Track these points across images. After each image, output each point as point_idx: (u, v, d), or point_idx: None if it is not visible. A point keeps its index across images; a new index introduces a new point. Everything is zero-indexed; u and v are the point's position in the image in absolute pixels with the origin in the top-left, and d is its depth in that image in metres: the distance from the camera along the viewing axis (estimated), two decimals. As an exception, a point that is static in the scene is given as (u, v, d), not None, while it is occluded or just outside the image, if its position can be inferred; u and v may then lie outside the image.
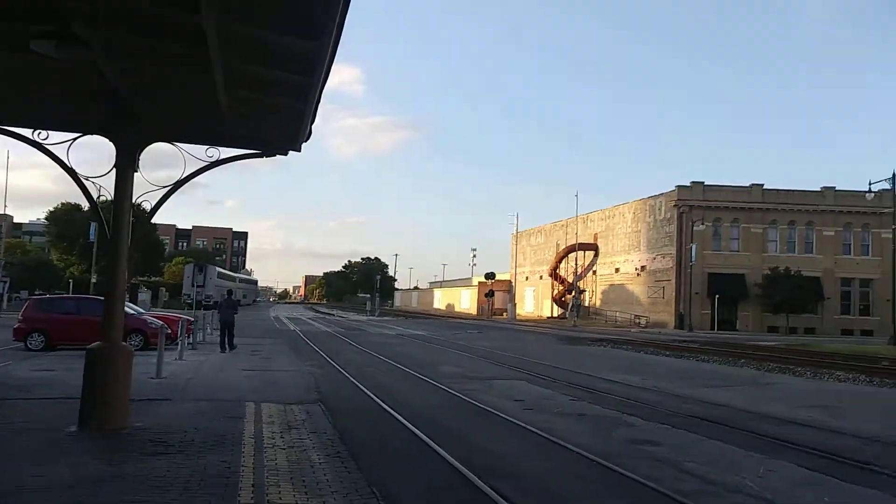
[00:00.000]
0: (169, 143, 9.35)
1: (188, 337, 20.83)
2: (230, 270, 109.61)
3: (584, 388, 14.95)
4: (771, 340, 39.11)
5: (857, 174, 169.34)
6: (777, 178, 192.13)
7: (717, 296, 52.86)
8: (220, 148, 9.67)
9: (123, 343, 9.51)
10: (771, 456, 8.45)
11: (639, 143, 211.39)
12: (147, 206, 9.83)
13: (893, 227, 43.70)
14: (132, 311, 22.32)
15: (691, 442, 9.40)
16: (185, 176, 9.50)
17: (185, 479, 6.57)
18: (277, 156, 10.24)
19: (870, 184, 38.95)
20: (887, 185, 38.41)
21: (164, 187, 9.51)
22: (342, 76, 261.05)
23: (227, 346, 21.28)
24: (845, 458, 8.43)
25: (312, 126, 9.09)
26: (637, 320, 58.03)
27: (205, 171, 9.70)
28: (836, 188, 56.60)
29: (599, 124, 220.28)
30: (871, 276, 55.00)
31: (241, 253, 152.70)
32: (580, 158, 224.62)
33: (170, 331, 20.55)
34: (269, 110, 8.68)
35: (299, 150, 9.96)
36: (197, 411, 10.41)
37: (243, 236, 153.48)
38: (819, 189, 56.95)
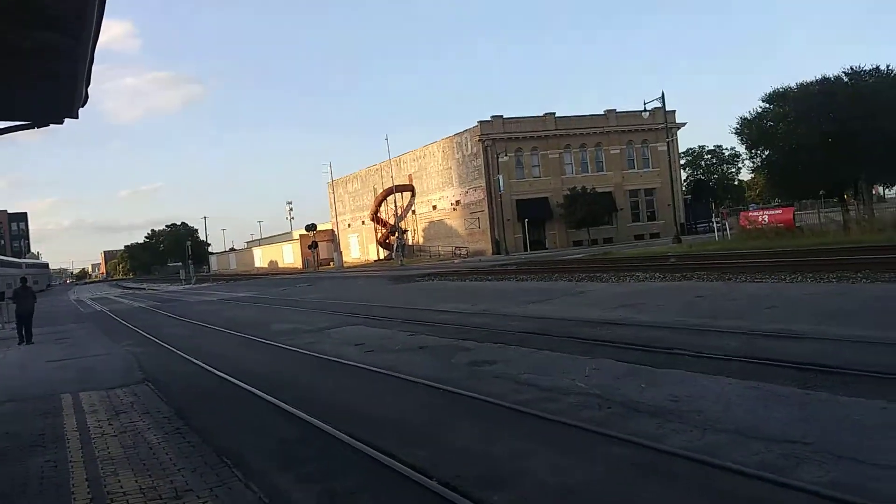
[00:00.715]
0: None
1: (-26, 336, 18.26)
2: (13, 256, 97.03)
3: (421, 322, 15.38)
4: (577, 254, 42.71)
5: (635, 96, 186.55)
6: (568, 106, 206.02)
7: (526, 220, 56.57)
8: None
9: None
10: (593, 356, 9.34)
11: (443, 84, 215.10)
12: None
13: (667, 140, 49.18)
14: None
15: (522, 356, 10.09)
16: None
17: (6, 489, 5.87)
18: (51, 125, 9.04)
19: (644, 104, 43.08)
20: (659, 104, 42.67)
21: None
22: (112, 31, 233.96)
23: (24, 338, 19.00)
24: (654, 348, 9.55)
25: (88, 89, 8.09)
26: (458, 251, 60.46)
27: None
28: (618, 110, 61.97)
29: (403, 67, 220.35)
30: (653, 185, 61.63)
31: (23, 236, 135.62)
32: (388, 102, 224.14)
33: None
34: (35, 77, 7.54)
35: (76, 117, 8.84)
36: (3, 414, 9.28)
37: (21, 217, 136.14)
38: (603, 112, 62.00)
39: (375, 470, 5.71)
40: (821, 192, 46.58)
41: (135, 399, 9.61)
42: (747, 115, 41.23)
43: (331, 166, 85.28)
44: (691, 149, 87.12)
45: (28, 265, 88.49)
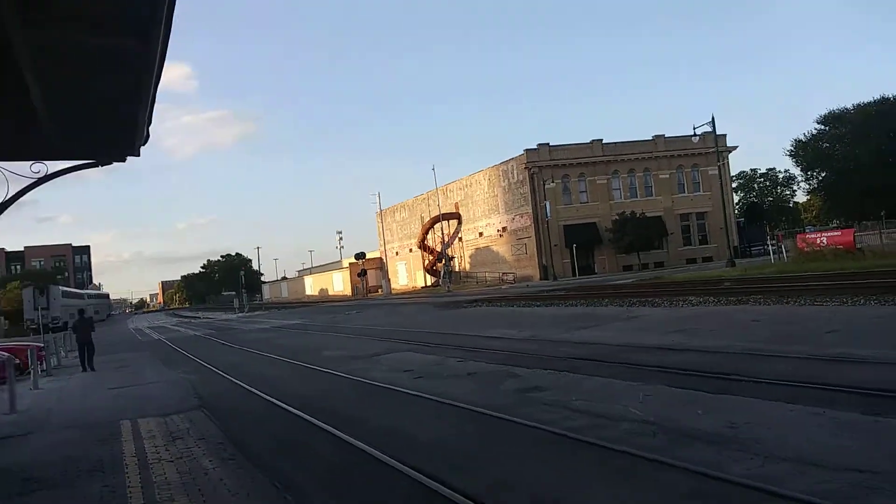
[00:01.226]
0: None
1: (41, 364, 19.01)
2: (76, 288, 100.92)
3: (469, 348, 15.33)
4: (627, 278, 42.03)
5: (683, 121, 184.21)
6: (614, 133, 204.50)
7: (574, 245, 56.11)
8: (46, 162, 8.78)
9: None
10: (647, 382, 9.13)
11: (489, 112, 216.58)
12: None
13: (718, 163, 48.28)
14: (-31, 347, 20.05)
15: (574, 382, 9.93)
16: (9, 197, 8.55)
17: (67, 512, 6.04)
18: (113, 163, 9.45)
19: (694, 128, 42.46)
20: (709, 128, 42.03)
21: (-11, 212, 8.53)
22: (172, 73, 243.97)
23: (87, 366, 19.92)
24: (709, 373, 9.29)
25: (149, 129, 8.45)
26: (505, 277, 60.25)
27: (32, 188, 8.79)
28: (666, 135, 61.25)
29: (447, 95, 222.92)
30: (704, 209, 60.47)
31: (86, 268, 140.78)
32: (434, 132, 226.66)
33: (18, 361, 18.74)
34: (100, 117, 7.95)
35: (138, 155, 9.22)
36: (65, 440, 9.57)
37: (85, 251, 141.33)
38: (651, 137, 61.38)
39: (426, 497, 5.67)
40: (882, 213, 44.98)
41: (190, 425, 9.81)
42: (802, 138, 40.23)
43: (379, 196, 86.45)
44: (743, 172, 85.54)
45: (90, 296, 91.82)
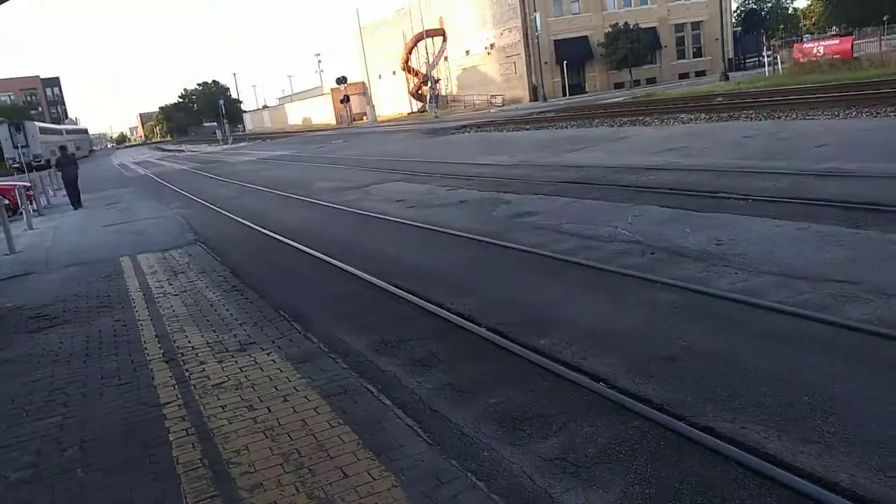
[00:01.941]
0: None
1: (31, 203, 19.02)
2: (52, 123, 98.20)
3: (459, 175, 15.34)
4: (619, 96, 41.16)
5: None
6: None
7: (564, 62, 54.09)
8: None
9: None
10: (636, 203, 9.27)
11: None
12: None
13: (718, -34, 45.23)
14: (-46, 189, 19.91)
15: (564, 205, 10.07)
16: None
17: (83, 346, 6.34)
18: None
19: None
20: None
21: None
22: None
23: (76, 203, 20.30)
24: (698, 192, 9.42)
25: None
26: (493, 100, 58.84)
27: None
28: (665, -67, 56.83)
29: None
30: (700, 18, 57.74)
31: (59, 102, 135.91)
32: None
33: (8, 201, 18.73)
34: None
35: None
36: (69, 277, 9.82)
37: (55, 82, 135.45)
38: (649, -63, 56.98)
39: (424, 318, 5.96)
40: (884, 18, 43.14)
41: (190, 259, 10.03)
42: (808, -67, 37.34)
43: (358, 13, 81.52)
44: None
45: (68, 132, 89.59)
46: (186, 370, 5.36)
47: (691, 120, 19.41)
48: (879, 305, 4.77)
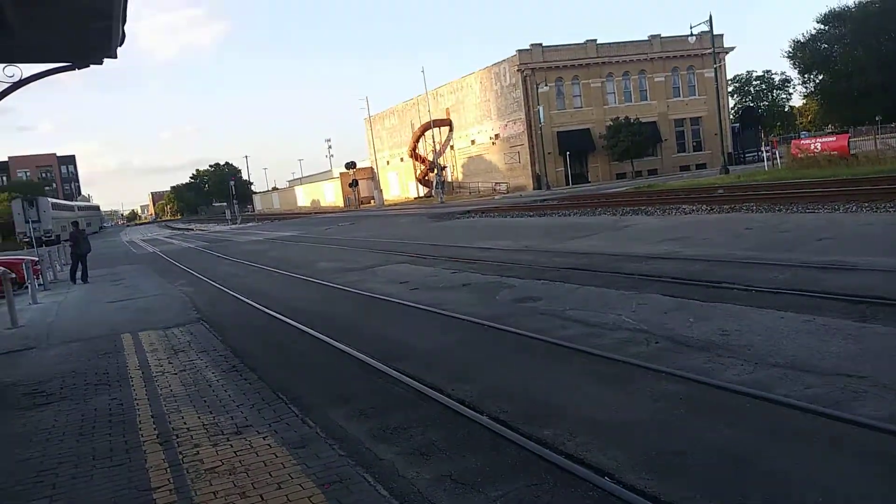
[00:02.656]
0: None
1: (37, 278, 19.10)
2: (65, 199, 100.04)
3: (464, 259, 15.45)
4: (621, 187, 41.98)
5: (679, 20, 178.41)
6: (609, 33, 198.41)
7: (567, 152, 55.51)
8: (20, 65, 8.44)
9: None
10: (640, 291, 9.27)
11: (478, 12, 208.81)
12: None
13: (715, 65, 47.11)
14: (-38, 262, 20.05)
15: (568, 292, 10.07)
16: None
17: (77, 424, 6.22)
18: (91, 66, 9.11)
19: (691, 27, 41.22)
20: (705, 28, 40.75)
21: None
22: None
23: (78, 278, 20.80)
24: (701, 281, 9.43)
25: (124, 27, 8.09)
26: (498, 187, 59.99)
27: (6, 94, 8.49)
28: (662, 35, 59.46)
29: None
30: (699, 114, 59.69)
31: (73, 179, 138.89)
32: (423, 33, 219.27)
33: (14, 275, 18.80)
34: (73, 20, 7.61)
35: (115, 57, 8.89)
36: (69, 353, 9.74)
37: (70, 160, 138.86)
38: (647, 38, 59.59)
39: (426, 405, 5.85)
40: (877, 118, 44.41)
41: (191, 338, 9.97)
42: (801, 38, 39.11)
43: (368, 102, 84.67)
44: (739, 75, 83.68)
45: (80, 208, 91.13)
46: (180, 452, 5.23)
47: (693, 211, 19.67)
48: (892, 401, 4.68)
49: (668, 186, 33.61)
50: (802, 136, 44.18)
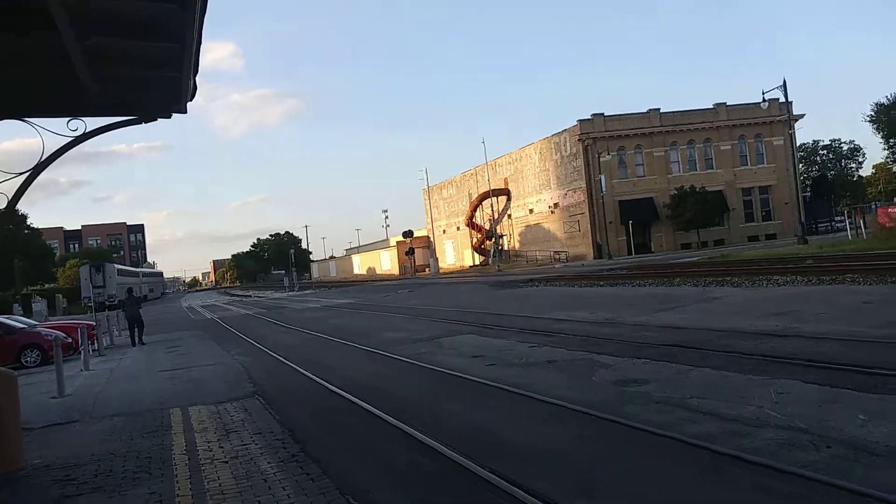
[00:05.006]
0: (19, 120, 7.48)
1: (92, 343, 18.59)
2: (131, 266, 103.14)
3: (538, 331, 14.10)
4: (688, 256, 40.00)
5: (743, 90, 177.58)
6: (673, 102, 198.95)
7: (630, 221, 53.87)
8: (85, 119, 7.85)
9: (1, 368, 7.72)
10: (771, 376, 7.74)
11: (540, 82, 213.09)
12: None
13: (788, 132, 45.43)
14: (22, 325, 19.83)
15: (679, 374, 8.61)
16: (46, 157, 7.66)
17: (105, 531, 5.11)
18: (160, 119, 8.48)
19: (763, 94, 39.85)
20: (779, 94, 39.41)
21: (23, 173, 7.64)
22: (219, 52, 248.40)
23: (137, 341, 21.15)
24: (847, 366, 7.82)
25: (196, 79, 7.44)
26: (557, 256, 58.50)
27: (70, 147, 7.88)
28: (728, 103, 58.19)
29: (494, 65, 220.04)
30: (768, 182, 57.53)
31: (140, 247, 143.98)
32: (484, 104, 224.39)
33: (70, 339, 18.37)
34: (142, 72, 7.09)
35: (185, 111, 8.24)
36: (112, 430, 8.78)
37: (139, 229, 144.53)
38: (712, 106, 58.40)
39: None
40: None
41: (245, 416, 8.90)
42: (884, 101, 37.31)
43: (426, 173, 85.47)
44: (804, 143, 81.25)
45: (144, 274, 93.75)
46: (226, 583, 4.03)
47: (787, 282, 17.93)
48: None
49: (746, 256, 31.64)
50: (881, 206, 41.61)
